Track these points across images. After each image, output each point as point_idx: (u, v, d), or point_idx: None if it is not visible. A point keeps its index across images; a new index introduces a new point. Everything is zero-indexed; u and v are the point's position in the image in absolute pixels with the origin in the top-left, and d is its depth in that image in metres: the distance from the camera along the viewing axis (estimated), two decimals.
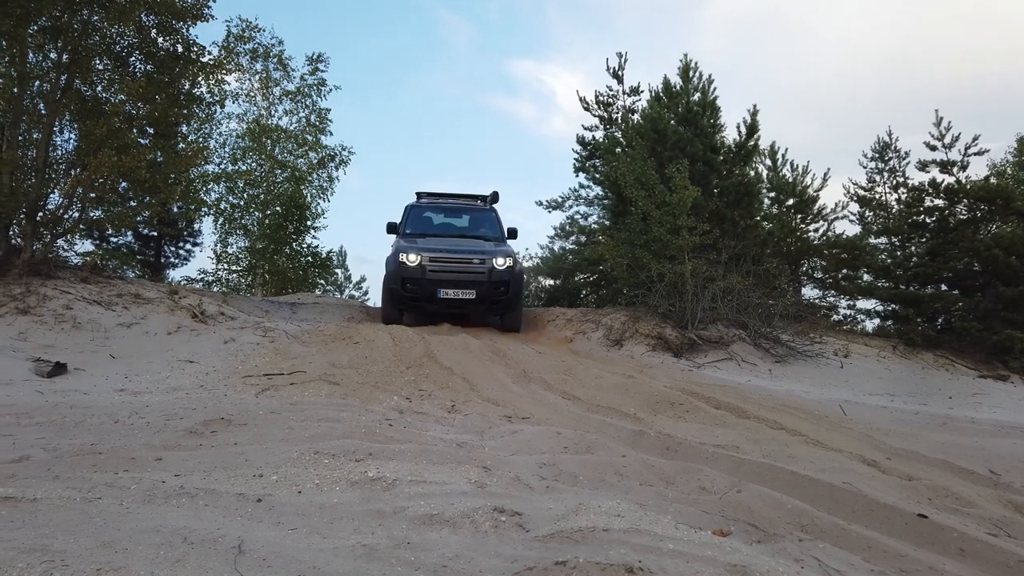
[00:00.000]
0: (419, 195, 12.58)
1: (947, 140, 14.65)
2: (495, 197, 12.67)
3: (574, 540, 2.22)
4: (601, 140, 18.80)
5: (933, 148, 14.93)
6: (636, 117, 17.86)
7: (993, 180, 14.05)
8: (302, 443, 3.55)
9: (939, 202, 13.98)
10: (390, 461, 3.22)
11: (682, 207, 10.79)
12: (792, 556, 2.29)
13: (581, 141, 19.50)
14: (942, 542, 2.77)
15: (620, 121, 18.94)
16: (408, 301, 10.16)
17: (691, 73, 14.33)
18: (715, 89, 14.34)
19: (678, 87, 14.49)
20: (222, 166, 17.81)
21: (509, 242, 11.70)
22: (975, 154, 14.57)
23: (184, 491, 2.73)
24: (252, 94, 18.87)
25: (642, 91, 18.80)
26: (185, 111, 9.63)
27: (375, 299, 26.44)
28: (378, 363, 6.69)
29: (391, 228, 11.73)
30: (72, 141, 9.05)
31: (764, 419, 5.42)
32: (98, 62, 8.75)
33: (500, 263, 10.16)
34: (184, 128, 11.43)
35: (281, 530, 2.38)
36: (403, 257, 10.04)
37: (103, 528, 2.30)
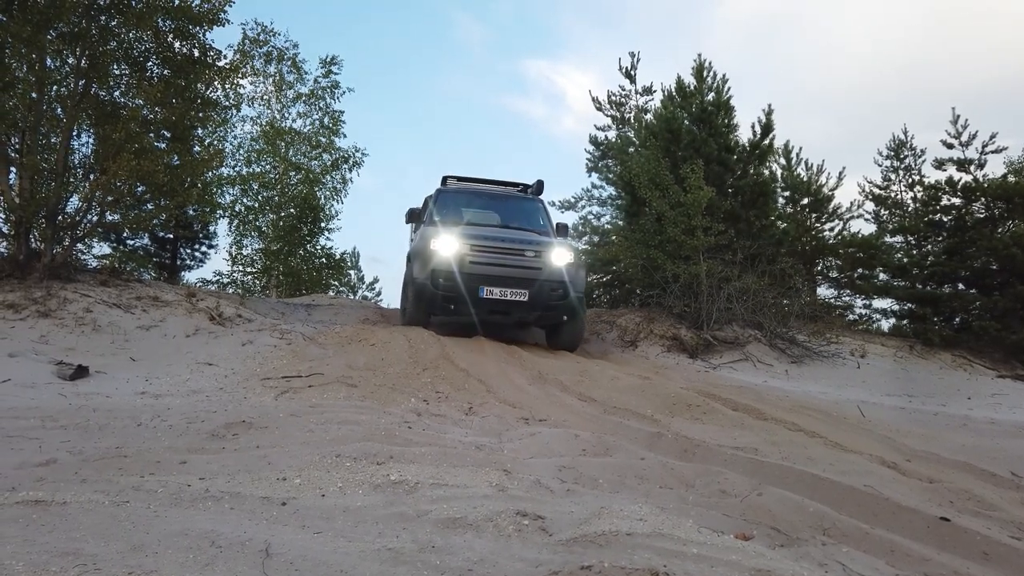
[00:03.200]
0: (447, 179, 10.38)
1: (964, 138, 14.55)
2: (539, 187, 10.52)
3: (597, 544, 2.23)
4: (614, 140, 18.80)
5: (950, 146, 14.84)
6: (649, 117, 17.85)
7: (1011, 178, 13.91)
8: (323, 446, 3.58)
9: (956, 200, 13.90)
10: (411, 464, 3.25)
11: (696, 207, 10.79)
12: (816, 560, 2.29)
13: (594, 141, 19.53)
14: (965, 545, 2.76)
15: (633, 121, 18.93)
16: (441, 302, 8.06)
17: (705, 73, 14.32)
18: (729, 89, 14.32)
19: (692, 87, 14.48)
20: (236, 168, 17.96)
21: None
22: (992, 152, 14.48)
23: (210, 494, 2.76)
24: (266, 97, 19.01)
25: (655, 91, 18.82)
26: (201, 114, 9.71)
27: (388, 300, 26.48)
28: (394, 365, 6.72)
29: (412, 216, 9.99)
30: (90, 145, 9.16)
31: (782, 420, 5.40)
32: (116, 67, 8.85)
33: (558, 258, 8.26)
34: (200, 131, 11.51)
35: (307, 533, 2.40)
36: (435, 244, 8.02)
37: (132, 532, 2.33)
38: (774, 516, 2.86)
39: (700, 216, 10.93)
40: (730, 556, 2.13)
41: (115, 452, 3.42)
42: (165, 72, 9.00)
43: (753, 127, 14.30)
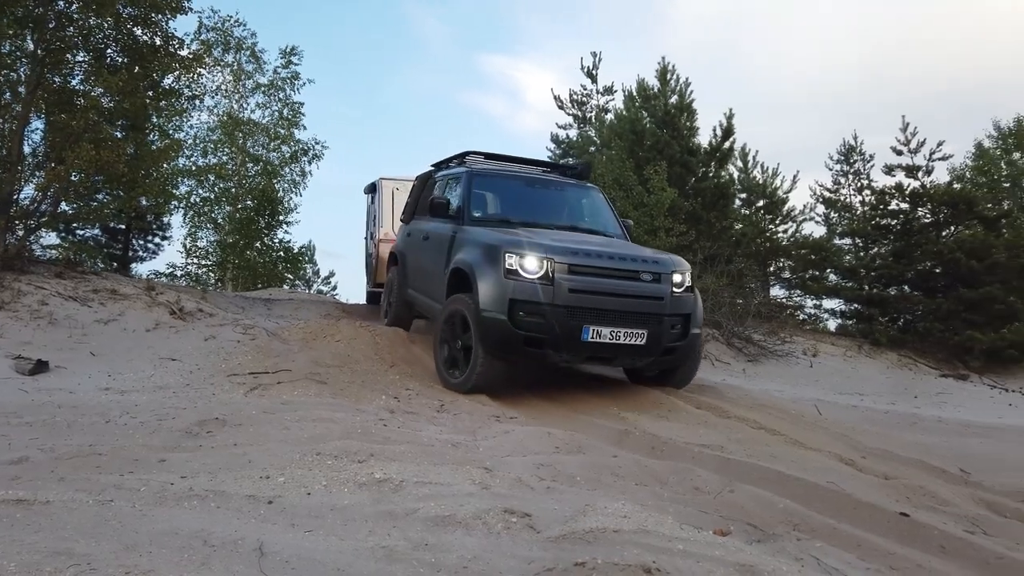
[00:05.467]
0: (467, 156, 7.66)
1: (913, 145, 15.12)
2: (586, 171, 8.12)
3: (586, 541, 2.31)
4: (575, 139, 18.96)
5: (899, 152, 15.42)
6: (610, 116, 18.05)
7: (956, 185, 14.53)
8: (302, 444, 3.59)
9: (904, 205, 14.44)
10: (393, 462, 3.28)
11: (660, 208, 10.99)
12: (792, 555, 2.41)
13: (555, 140, 19.65)
14: (924, 540, 2.93)
15: (594, 120, 19.12)
16: (524, 345, 5.55)
17: (668, 76, 14.56)
18: (692, 92, 14.60)
19: (655, 89, 14.70)
20: (192, 159, 17.59)
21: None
22: (939, 159, 15.09)
23: (194, 493, 2.76)
24: (224, 87, 18.67)
25: (615, 91, 19.02)
26: (163, 102, 9.48)
27: (345, 294, 26.10)
28: (361, 362, 6.70)
29: (412, 206, 7.59)
30: (41, 133, 8.89)
31: (744, 419, 5.56)
32: (73, 55, 8.58)
33: (678, 280, 5.93)
34: (156, 119, 11.23)
35: (297, 532, 2.43)
36: (513, 259, 5.53)
37: (121, 531, 2.33)
38: (747, 512, 2.98)
39: (663, 217, 11.13)
40: (713, 552, 2.23)
41: (89, 450, 3.37)
42: (125, 61, 8.77)
43: (714, 130, 14.63)
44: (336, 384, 5.68)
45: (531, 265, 5.50)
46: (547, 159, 7.47)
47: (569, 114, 20.02)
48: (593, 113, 19.64)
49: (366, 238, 12.26)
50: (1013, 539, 3.08)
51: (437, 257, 6.87)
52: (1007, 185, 21.53)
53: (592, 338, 5.49)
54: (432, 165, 8.37)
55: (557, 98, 19.89)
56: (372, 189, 11.60)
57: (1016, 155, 22.62)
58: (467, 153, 7.67)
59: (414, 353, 7.17)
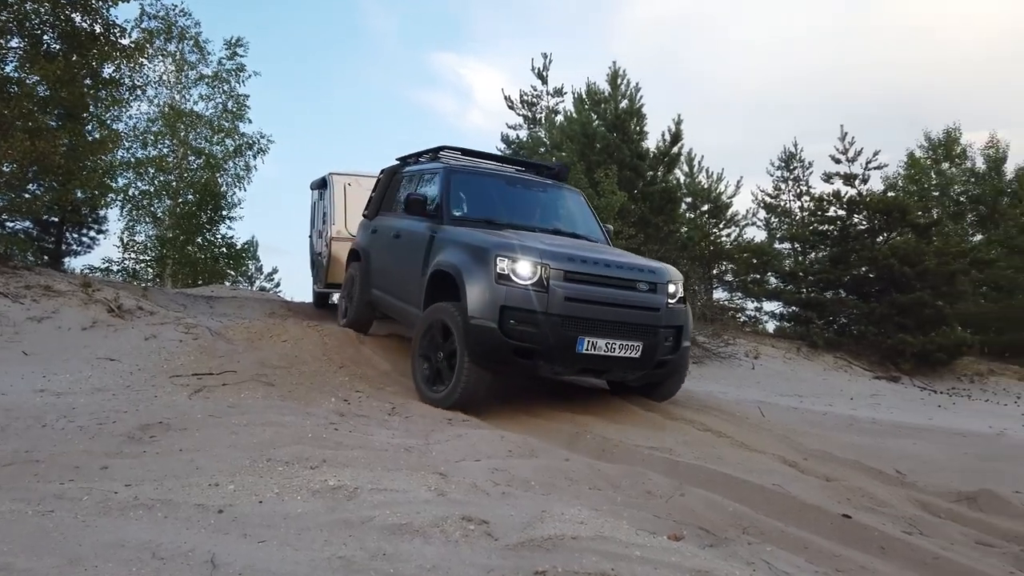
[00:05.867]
0: (442, 151, 7.30)
1: (850, 154, 15.69)
2: (564, 173, 7.77)
3: (545, 548, 2.32)
4: (525, 140, 19.00)
5: (837, 161, 15.99)
6: (560, 118, 18.16)
7: (890, 193, 15.13)
8: (252, 449, 3.51)
9: (841, 212, 14.98)
10: (346, 468, 3.24)
11: (610, 211, 11.10)
12: (744, 559, 2.47)
13: (505, 140, 19.65)
14: (865, 541, 3.04)
15: (544, 121, 19.20)
16: (513, 355, 5.23)
17: (619, 80, 14.73)
18: (641, 97, 14.82)
19: (606, 93, 14.85)
20: (132, 151, 16.99)
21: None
22: (875, 168, 15.73)
23: (139, 502, 2.68)
24: (166, 77, 18.10)
25: (565, 92, 19.11)
26: (102, 92, 9.12)
27: (290, 291, 25.56)
28: (309, 363, 6.59)
29: (375, 201, 7.52)
30: None
31: (691, 421, 5.69)
32: (7, 40, 8.19)
33: (672, 291, 5.71)
34: (94, 109, 10.80)
35: (250, 543, 2.38)
36: (505, 263, 5.23)
37: (64, 544, 2.24)
38: (698, 516, 3.04)
39: (613, 220, 11.24)
40: (670, 558, 2.27)
41: (25, 456, 3.24)
42: (63, 48, 8.41)
43: (663, 135, 14.88)
44: (284, 386, 5.57)
45: (524, 270, 5.20)
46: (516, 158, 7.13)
47: (519, 114, 20.04)
48: (543, 114, 19.72)
49: (311, 236, 11.77)
50: (947, 539, 3.22)
51: (411, 257, 6.52)
52: (936, 194, 22.51)
53: (587, 350, 5.23)
54: (398, 159, 8.00)
55: (507, 98, 19.89)
56: (321, 184, 10.89)
57: (945, 165, 23.65)
58: (441, 148, 7.31)
59: (363, 354, 7.09)
